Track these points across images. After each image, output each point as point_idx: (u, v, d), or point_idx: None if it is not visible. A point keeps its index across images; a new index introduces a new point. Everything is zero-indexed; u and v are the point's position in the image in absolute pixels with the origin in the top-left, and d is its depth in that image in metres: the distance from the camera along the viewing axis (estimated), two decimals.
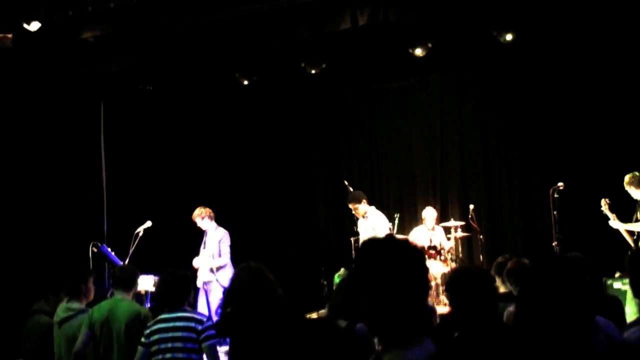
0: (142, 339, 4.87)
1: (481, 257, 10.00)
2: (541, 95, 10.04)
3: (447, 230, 10.12)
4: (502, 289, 5.26)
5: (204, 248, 9.19)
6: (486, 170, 10.67)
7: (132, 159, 10.67)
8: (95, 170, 10.27)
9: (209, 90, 11.02)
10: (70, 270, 5.88)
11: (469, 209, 9.90)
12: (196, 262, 9.06)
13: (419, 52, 9.41)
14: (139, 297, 7.42)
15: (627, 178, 7.76)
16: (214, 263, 8.97)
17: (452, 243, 9.96)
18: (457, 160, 10.86)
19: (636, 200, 7.85)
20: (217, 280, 8.83)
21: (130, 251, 8.22)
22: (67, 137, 9.90)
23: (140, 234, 8.38)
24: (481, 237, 9.96)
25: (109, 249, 8.18)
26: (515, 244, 10.22)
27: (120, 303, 5.42)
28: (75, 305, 5.60)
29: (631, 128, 9.11)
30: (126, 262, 8.10)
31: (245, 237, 11.15)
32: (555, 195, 7.71)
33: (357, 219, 9.36)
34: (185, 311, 4.96)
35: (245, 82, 10.42)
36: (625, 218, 7.89)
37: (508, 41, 9.00)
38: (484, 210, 10.40)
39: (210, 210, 9.24)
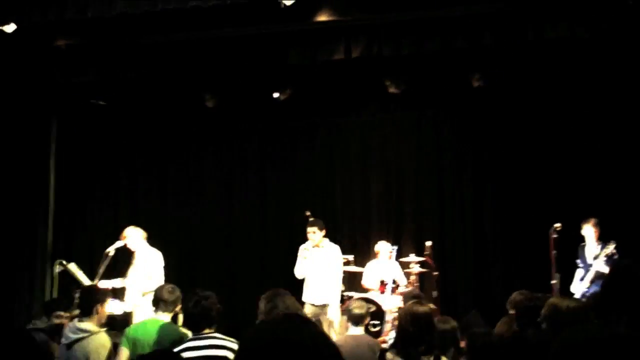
0: None
1: (435, 293, 10.16)
2: (498, 138, 10.43)
3: (404, 265, 10.23)
4: None
5: (132, 271, 8.38)
6: (441, 208, 10.90)
7: (84, 175, 10.27)
8: (43, 184, 9.83)
9: (173, 110, 10.77)
10: (84, 290, 5.56)
11: (424, 246, 10.07)
12: (118, 283, 8.24)
13: (392, 88, 9.60)
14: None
15: (591, 222, 8.21)
16: (143, 288, 8.14)
17: (406, 278, 10.07)
18: (413, 196, 11.03)
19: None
20: (146, 306, 8.20)
21: (100, 271, 7.80)
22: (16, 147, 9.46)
23: (111, 254, 7.97)
24: (436, 273, 10.14)
25: (76, 268, 7.75)
26: (466, 282, 10.52)
27: (159, 324, 5.15)
28: (88, 326, 5.26)
29: (591, 173, 9.62)
30: (96, 281, 7.70)
31: (192, 262, 10.95)
32: (554, 235, 7.98)
33: (307, 249, 8.91)
34: (217, 338, 4.69)
35: (210, 105, 10.28)
36: None
37: (479, 85, 9.40)
38: (437, 247, 10.60)
39: (142, 231, 8.48)
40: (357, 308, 5.97)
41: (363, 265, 10.26)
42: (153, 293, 7.91)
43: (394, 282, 9.95)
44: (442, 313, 9.33)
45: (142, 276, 8.12)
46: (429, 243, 10.04)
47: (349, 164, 11.32)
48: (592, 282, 8.07)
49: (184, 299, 4.94)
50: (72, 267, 7.70)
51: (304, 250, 8.78)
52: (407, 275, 10.05)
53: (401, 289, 9.83)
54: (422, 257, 10.07)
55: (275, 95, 10.15)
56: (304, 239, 10.92)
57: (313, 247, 8.79)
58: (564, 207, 9.26)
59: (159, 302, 5.31)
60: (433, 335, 4.24)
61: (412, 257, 10.05)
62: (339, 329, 8.32)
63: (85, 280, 7.73)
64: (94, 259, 8.81)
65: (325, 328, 8.24)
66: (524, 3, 7.71)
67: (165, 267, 8.26)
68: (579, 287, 8.23)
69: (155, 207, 11.03)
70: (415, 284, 10.05)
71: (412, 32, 8.16)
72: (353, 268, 10.10)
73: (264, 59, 8.49)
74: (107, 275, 7.87)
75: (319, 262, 8.82)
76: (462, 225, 10.78)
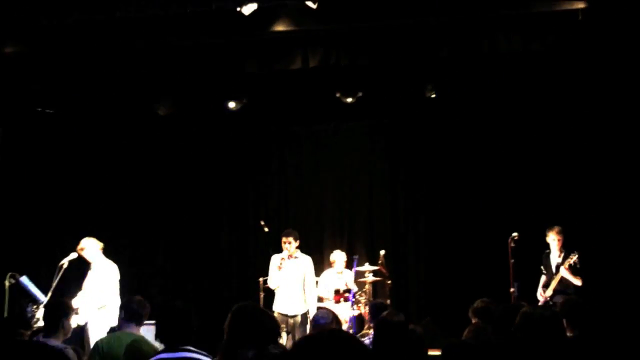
0: None
1: (388, 301, 10.23)
2: (452, 149, 10.60)
3: (359, 275, 10.27)
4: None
5: (87, 283, 8.16)
6: (393, 218, 11.01)
7: (30, 184, 10.01)
8: None
9: (123, 119, 10.59)
10: (50, 305, 5.40)
11: (379, 254, 10.14)
12: (76, 302, 7.77)
13: (347, 98, 9.67)
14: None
15: (555, 230, 8.40)
16: (98, 301, 7.97)
17: (357, 287, 10.13)
18: (365, 206, 11.12)
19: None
20: (101, 320, 7.89)
21: (54, 284, 7.59)
22: None
23: (65, 266, 7.77)
24: (389, 282, 10.22)
25: (29, 281, 7.53)
26: (419, 290, 10.65)
27: (131, 337, 5.03)
28: (55, 343, 5.11)
29: (547, 182, 9.87)
30: (49, 295, 7.50)
31: (147, 275, 10.77)
32: (512, 245, 8.14)
33: (283, 259, 8.87)
34: (190, 351, 4.62)
35: (162, 113, 10.16)
36: None
37: (432, 96, 9.57)
38: (389, 255, 10.68)
39: (98, 242, 8.23)
40: (322, 317, 5.96)
41: (317, 275, 10.27)
42: (107, 306, 7.99)
43: (348, 291, 9.99)
44: None
45: (98, 289, 7.95)
46: (382, 252, 10.12)
47: (301, 173, 11.33)
48: (555, 290, 8.25)
49: (161, 311, 4.83)
50: (25, 280, 7.46)
51: (281, 260, 8.71)
52: (362, 284, 10.09)
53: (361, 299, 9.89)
54: (376, 266, 10.14)
55: (231, 105, 10.09)
56: (257, 247, 10.97)
57: (288, 257, 8.77)
58: (520, 216, 9.46)
59: (130, 314, 5.20)
60: (406, 345, 4.27)
61: (366, 266, 10.10)
62: None
63: (39, 294, 7.51)
64: (43, 272, 8.54)
65: (295, 338, 8.26)
66: (479, 16, 7.87)
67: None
68: (543, 293, 8.42)
69: (104, 216, 10.81)
70: (369, 293, 10.15)
71: (369, 43, 8.24)
72: None
73: (221, 68, 8.45)
74: (60, 288, 7.65)
75: (293, 273, 8.84)
76: (415, 234, 10.91)
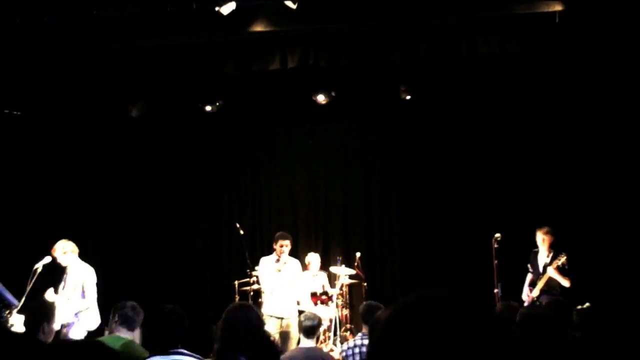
0: None
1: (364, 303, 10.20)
2: (428, 150, 10.62)
3: (334, 277, 10.25)
4: None
5: (63, 287, 7.98)
6: (368, 219, 11.00)
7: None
8: None
9: (96, 121, 10.41)
10: (31, 308, 5.27)
11: (355, 256, 10.12)
12: (50, 296, 7.66)
13: (321, 99, 9.65)
14: None
15: (543, 230, 8.44)
16: (76, 306, 7.83)
17: (337, 289, 10.09)
18: (340, 208, 11.09)
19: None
20: (78, 324, 7.82)
21: (28, 289, 7.41)
22: None
23: (39, 270, 7.60)
24: (365, 284, 10.21)
25: (1, 286, 7.34)
26: (394, 292, 10.64)
27: (121, 341, 4.93)
28: None
29: (525, 183, 9.97)
30: (22, 300, 7.32)
31: (121, 277, 10.61)
32: (495, 245, 8.16)
33: (285, 262, 8.68)
34: (183, 354, 4.54)
35: (134, 114, 10.01)
36: None
37: (408, 98, 9.61)
38: (364, 257, 10.67)
39: (74, 245, 8.07)
40: (309, 320, 5.92)
41: None
42: (86, 310, 7.83)
43: (326, 293, 9.96)
44: None
45: (76, 293, 7.81)
46: (358, 254, 10.10)
47: (276, 175, 11.27)
48: (542, 290, 8.27)
49: (151, 314, 4.73)
50: None
51: (283, 265, 8.59)
52: (339, 286, 10.06)
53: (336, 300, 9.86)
54: (352, 269, 10.12)
55: (208, 108, 9.98)
56: (231, 250, 10.88)
57: (276, 261, 8.66)
58: (501, 217, 9.51)
59: (124, 319, 5.10)
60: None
61: (343, 268, 10.07)
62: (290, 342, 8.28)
63: (12, 299, 7.32)
64: (16, 276, 8.31)
65: (286, 340, 8.18)
66: (457, 18, 7.90)
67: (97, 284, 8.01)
68: (530, 293, 8.44)
69: (75, 219, 10.62)
70: (345, 295, 10.14)
71: (348, 44, 8.22)
72: None
73: (199, 69, 8.35)
74: (34, 293, 7.47)
75: (285, 276, 8.71)
76: (390, 236, 10.92)
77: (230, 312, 4.56)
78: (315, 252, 10.50)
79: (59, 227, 9.62)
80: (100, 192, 10.89)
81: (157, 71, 8.74)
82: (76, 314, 7.74)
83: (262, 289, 8.90)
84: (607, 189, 8.82)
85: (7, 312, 7.31)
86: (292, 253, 10.89)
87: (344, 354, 5.71)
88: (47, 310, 5.14)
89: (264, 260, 8.78)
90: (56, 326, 7.59)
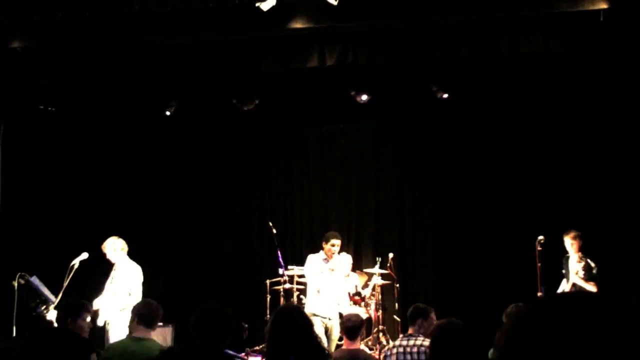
0: None
1: (396, 305, 10.11)
2: (464, 151, 10.49)
3: (367, 277, 10.17)
4: None
5: (111, 283, 8.08)
6: (401, 220, 10.89)
7: (33, 182, 9.81)
8: None
9: (129, 117, 10.40)
10: (61, 305, 5.27)
11: (387, 257, 10.02)
12: (97, 303, 7.83)
13: (362, 98, 9.57)
14: None
15: (571, 234, 8.26)
16: (122, 303, 7.85)
17: (369, 289, 10.00)
18: (372, 208, 10.98)
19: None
20: (122, 322, 7.85)
21: (65, 285, 7.39)
22: None
23: (76, 266, 7.58)
24: (397, 285, 10.10)
25: (39, 282, 7.33)
26: (427, 294, 10.51)
27: (140, 343, 4.87)
28: None
29: (565, 185, 9.79)
30: (59, 296, 7.30)
31: (151, 276, 10.56)
32: (539, 248, 8.02)
33: (326, 259, 8.62)
34: (226, 355, 4.49)
35: (169, 112, 10.00)
36: None
37: (445, 97, 9.49)
38: (397, 259, 10.56)
39: (124, 242, 8.20)
40: (352, 321, 5.84)
41: None
42: (128, 308, 7.80)
43: (359, 294, 9.87)
44: (404, 326, 9.36)
45: (122, 291, 7.88)
46: (391, 255, 10.00)
47: (308, 174, 11.19)
48: None
49: (195, 313, 4.69)
50: (35, 280, 7.26)
51: (337, 264, 8.56)
52: (372, 287, 9.97)
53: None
54: (385, 270, 10.02)
55: (244, 108, 9.95)
56: (262, 248, 10.82)
57: (324, 259, 8.58)
58: (543, 219, 9.35)
59: (141, 318, 5.07)
60: (467, 353, 4.15)
61: (376, 269, 9.98)
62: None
63: (49, 295, 7.30)
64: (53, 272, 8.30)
65: (329, 341, 8.16)
66: (499, 16, 7.78)
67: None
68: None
69: (109, 216, 10.61)
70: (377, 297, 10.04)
71: (387, 42, 8.11)
72: None
73: (236, 65, 8.28)
74: (71, 289, 7.45)
75: (337, 276, 8.68)
76: (423, 236, 10.79)
77: (279, 313, 4.52)
78: (347, 252, 10.41)
79: (94, 224, 9.63)
80: (132, 190, 10.86)
81: (195, 68, 8.68)
82: (121, 311, 7.72)
83: (308, 288, 8.80)
84: None
85: (43, 307, 7.30)
86: None
87: (383, 354, 5.63)
88: (78, 307, 5.15)
89: (311, 259, 8.68)
90: (100, 322, 7.88)
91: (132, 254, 9.58)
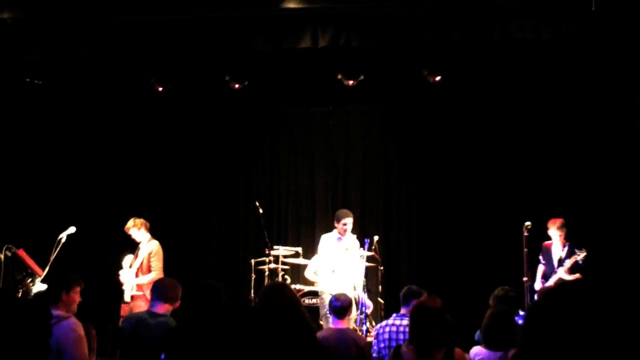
0: None
1: (380, 287, 10.17)
2: (451, 136, 10.56)
3: None
4: None
5: (136, 260, 8.62)
6: (387, 203, 10.94)
7: (19, 156, 9.76)
8: None
9: (118, 94, 10.34)
10: (51, 277, 5.28)
11: (373, 240, 10.05)
12: (122, 276, 8.46)
13: (351, 80, 9.57)
14: None
15: (558, 223, 8.33)
16: (143, 279, 8.40)
17: None
18: (359, 190, 11.02)
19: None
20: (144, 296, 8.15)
21: (52, 258, 7.39)
22: None
23: (63, 240, 7.58)
24: (381, 268, 10.15)
25: (26, 255, 7.32)
26: (410, 276, 10.59)
27: (156, 318, 4.97)
28: (55, 312, 4.99)
29: (550, 172, 9.91)
30: (46, 270, 7.30)
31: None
32: (525, 234, 8.08)
33: (339, 238, 8.90)
34: None
35: (160, 89, 9.94)
36: None
37: (435, 82, 9.52)
38: (381, 241, 10.61)
39: (143, 220, 8.72)
40: (340, 300, 5.89)
41: (309, 257, 10.15)
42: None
43: None
44: (387, 308, 9.44)
45: (145, 268, 8.39)
46: (376, 238, 10.03)
47: (295, 155, 11.19)
48: (557, 283, 8.13)
49: (190, 289, 4.76)
50: (22, 253, 7.24)
51: (345, 242, 8.69)
52: None
53: None
54: (370, 252, 10.06)
55: (236, 85, 9.91)
56: (248, 228, 10.84)
57: (337, 239, 8.73)
58: (530, 204, 9.45)
59: (159, 294, 5.11)
60: (443, 330, 4.21)
61: (361, 251, 10.01)
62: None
63: (36, 267, 7.30)
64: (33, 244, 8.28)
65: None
66: (492, 2, 7.81)
67: None
68: (544, 285, 8.30)
69: (92, 192, 10.58)
70: None
71: (380, 25, 8.12)
72: (301, 260, 9.98)
73: (229, 44, 8.25)
74: (58, 262, 7.45)
75: (352, 255, 8.80)
76: (408, 220, 10.85)
77: (268, 289, 4.57)
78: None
79: (82, 198, 9.61)
80: (119, 166, 10.82)
81: (186, 46, 8.64)
82: (143, 286, 8.21)
83: (322, 267, 8.92)
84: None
85: (29, 280, 7.29)
86: (310, 234, 10.96)
87: (375, 332, 5.69)
88: (68, 280, 5.15)
89: (325, 238, 8.86)
90: (127, 297, 8.37)
91: (117, 230, 9.64)
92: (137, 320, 5.09)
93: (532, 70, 9.41)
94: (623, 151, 8.91)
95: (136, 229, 8.58)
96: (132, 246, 8.67)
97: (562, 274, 8.06)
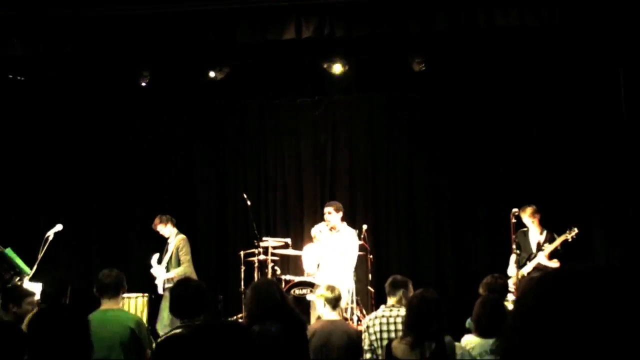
0: None
1: (370, 276, 10.18)
2: (437, 123, 10.56)
3: None
4: None
5: (165, 255, 9.00)
6: (374, 191, 10.94)
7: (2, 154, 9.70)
8: None
9: (101, 88, 10.28)
10: (51, 278, 5.28)
11: (362, 229, 10.06)
12: (154, 271, 8.80)
13: (336, 70, 9.56)
14: None
15: (529, 210, 8.32)
16: (172, 272, 8.74)
17: None
18: (347, 180, 11.01)
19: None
20: None
21: (40, 256, 7.35)
22: None
23: (51, 238, 7.53)
24: (371, 257, 10.17)
25: (13, 254, 7.27)
26: (400, 265, 10.61)
27: (108, 313, 4.89)
28: None
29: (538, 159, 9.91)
30: (34, 268, 7.26)
31: (125, 249, 10.56)
32: (513, 220, 8.09)
33: (329, 229, 8.87)
34: None
35: (143, 84, 9.88)
36: None
37: (420, 69, 9.51)
38: (370, 230, 10.62)
39: (170, 217, 9.10)
40: (331, 291, 5.89)
41: (298, 248, 10.15)
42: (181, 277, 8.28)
43: None
44: (377, 296, 9.45)
45: (174, 261, 8.76)
46: (365, 226, 10.04)
47: (282, 145, 11.16)
48: (536, 268, 8.08)
49: (175, 286, 4.79)
50: (9, 252, 7.19)
51: (318, 233, 8.57)
52: None
53: None
54: (359, 241, 10.07)
55: (212, 74, 9.87)
56: (237, 220, 10.82)
57: (330, 229, 8.60)
58: (513, 191, 9.49)
59: (103, 287, 5.09)
60: (441, 321, 4.24)
61: (350, 244, 10.00)
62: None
63: (24, 267, 7.25)
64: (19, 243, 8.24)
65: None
66: None
67: None
68: (517, 271, 8.15)
69: (76, 188, 10.52)
70: None
71: (364, 14, 8.07)
72: (291, 251, 9.98)
73: (211, 36, 8.19)
74: (46, 261, 7.41)
75: (333, 247, 8.64)
76: (396, 208, 10.86)
77: (259, 285, 4.65)
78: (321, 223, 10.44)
79: (67, 195, 9.54)
80: (104, 161, 10.76)
81: (168, 38, 8.56)
82: (173, 279, 8.44)
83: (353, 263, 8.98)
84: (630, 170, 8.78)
85: (17, 279, 7.25)
86: (298, 225, 10.96)
87: (365, 324, 5.69)
88: (66, 283, 5.15)
89: (312, 229, 9.04)
90: (160, 290, 8.73)
91: (106, 223, 9.63)
92: (94, 323, 5.06)
93: (520, 57, 9.40)
94: (609, 137, 8.95)
95: (162, 225, 8.98)
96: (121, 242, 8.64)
97: (541, 258, 8.04)
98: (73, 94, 10.43)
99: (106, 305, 5.05)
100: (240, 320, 5.49)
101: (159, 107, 10.84)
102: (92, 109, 10.64)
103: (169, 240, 9.06)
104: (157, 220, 9.04)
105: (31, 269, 7.25)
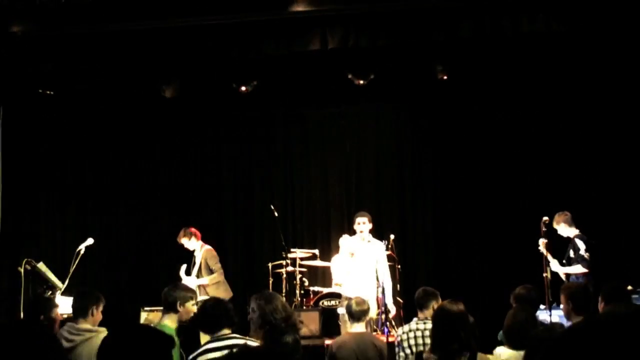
0: None
1: (398, 286, 10.14)
2: (464, 132, 10.51)
3: None
4: None
5: (194, 266, 9.08)
6: (401, 201, 10.90)
7: (33, 168, 9.82)
8: None
9: (129, 101, 10.38)
10: (80, 292, 5.34)
11: (389, 239, 10.01)
12: (185, 282, 8.57)
13: (361, 80, 9.56)
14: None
15: (556, 217, 8.26)
16: (203, 280, 8.91)
17: None
18: (373, 190, 10.98)
19: (566, 239, 8.41)
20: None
21: (71, 270, 7.42)
22: None
23: (82, 252, 7.61)
24: (399, 267, 10.12)
25: (46, 268, 7.35)
26: (428, 275, 10.55)
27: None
28: (88, 326, 5.09)
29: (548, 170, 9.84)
30: (66, 282, 7.33)
31: (152, 262, 10.63)
32: (544, 229, 8.02)
33: (362, 236, 8.71)
34: (235, 338, 4.55)
35: (168, 95, 9.95)
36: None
37: (444, 78, 9.48)
38: (398, 241, 10.58)
39: (195, 230, 9.16)
40: (358, 304, 5.87)
41: (325, 259, 10.13)
42: (214, 285, 8.88)
43: None
44: (406, 306, 9.39)
45: (203, 271, 8.91)
46: (392, 236, 9.99)
47: (308, 155, 11.16)
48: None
49: (200, 309, 4.85)
50: (42, 266, 7.28)
51: (348, 243, 8.62)
52: None
53: None
54: (386, 251, 10.02)
55: (242, 88, 9.91)
56: (264, 231, 10.83)
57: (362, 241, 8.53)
58: (543, 199, 9.40)
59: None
60: (467, 334, 4.16)
61: (379, 255, 9.96)
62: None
63: (56, 281, 7.33)
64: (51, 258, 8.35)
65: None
66: None
67: None
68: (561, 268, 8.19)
69: (106, 202, 10.63)
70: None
71: (388, 24, 8.07)
72: (318, 262, 9.97)
73: (238, 48, 8.25)
74: (77, 275, 7.49)
75: (365, 258, 8.52)
76: (424, 218, 10.81)
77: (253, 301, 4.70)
78: (349, 234, 10.40)
79: (98, 209, 9.64)
80: (132, 173, 10.87)
81: (195, 51, 8.65)
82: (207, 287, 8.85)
83: (337, 268, 9.07)
84: None
85: (49, 293, 7.32)
86: (325, 235, 10.94)
87: (399, 338, 5.65)
88: (96, 297, 5.21)
89: (341, 240, 9.02)
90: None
91: (135, 237, 9.68)
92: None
93: (546, 64, 9.32)
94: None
95: (186, 238, 9.04)
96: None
97: (556, 267, 8.02)
98: (102, 107, 10.53)
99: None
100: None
101: (186, 120, 10.92)
102: (119, 122, 10.75)
103: (195, 253, 9.12)
104: (181, 233, 9.11)
105: (63, 282, 7.33)
